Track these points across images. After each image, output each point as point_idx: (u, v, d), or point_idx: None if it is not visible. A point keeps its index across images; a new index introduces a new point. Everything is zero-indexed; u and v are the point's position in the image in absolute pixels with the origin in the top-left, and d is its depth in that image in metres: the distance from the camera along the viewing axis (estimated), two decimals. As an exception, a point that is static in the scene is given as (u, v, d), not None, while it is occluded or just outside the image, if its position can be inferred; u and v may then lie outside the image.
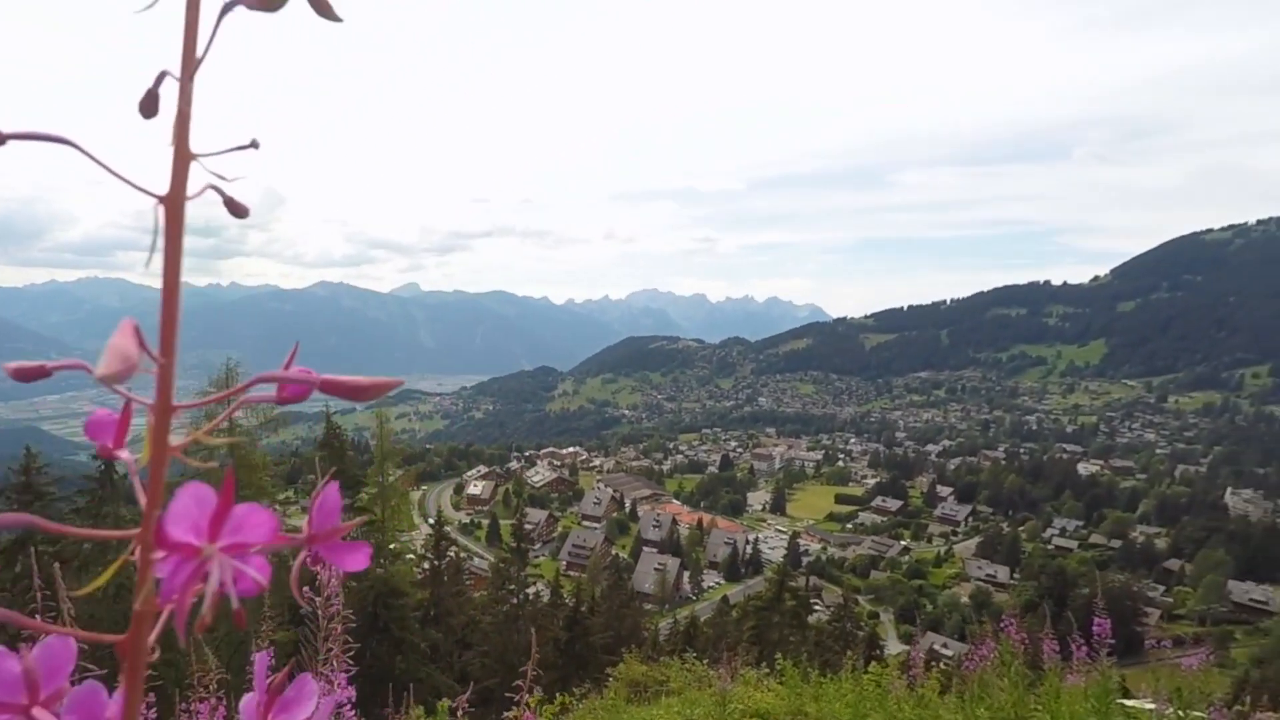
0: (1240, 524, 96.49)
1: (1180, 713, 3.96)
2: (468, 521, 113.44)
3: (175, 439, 0.55)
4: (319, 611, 2.04)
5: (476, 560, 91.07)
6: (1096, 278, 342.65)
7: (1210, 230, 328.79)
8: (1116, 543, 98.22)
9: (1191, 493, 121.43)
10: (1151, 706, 4.35)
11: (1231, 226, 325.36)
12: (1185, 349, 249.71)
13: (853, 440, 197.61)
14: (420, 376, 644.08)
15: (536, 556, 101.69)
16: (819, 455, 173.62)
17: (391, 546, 24.42)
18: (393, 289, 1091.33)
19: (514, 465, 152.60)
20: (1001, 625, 5.09)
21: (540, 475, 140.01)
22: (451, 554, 26.35)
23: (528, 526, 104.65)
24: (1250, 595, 77.52)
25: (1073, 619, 5.04)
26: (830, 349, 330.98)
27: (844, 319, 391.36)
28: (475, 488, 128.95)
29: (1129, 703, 4.48)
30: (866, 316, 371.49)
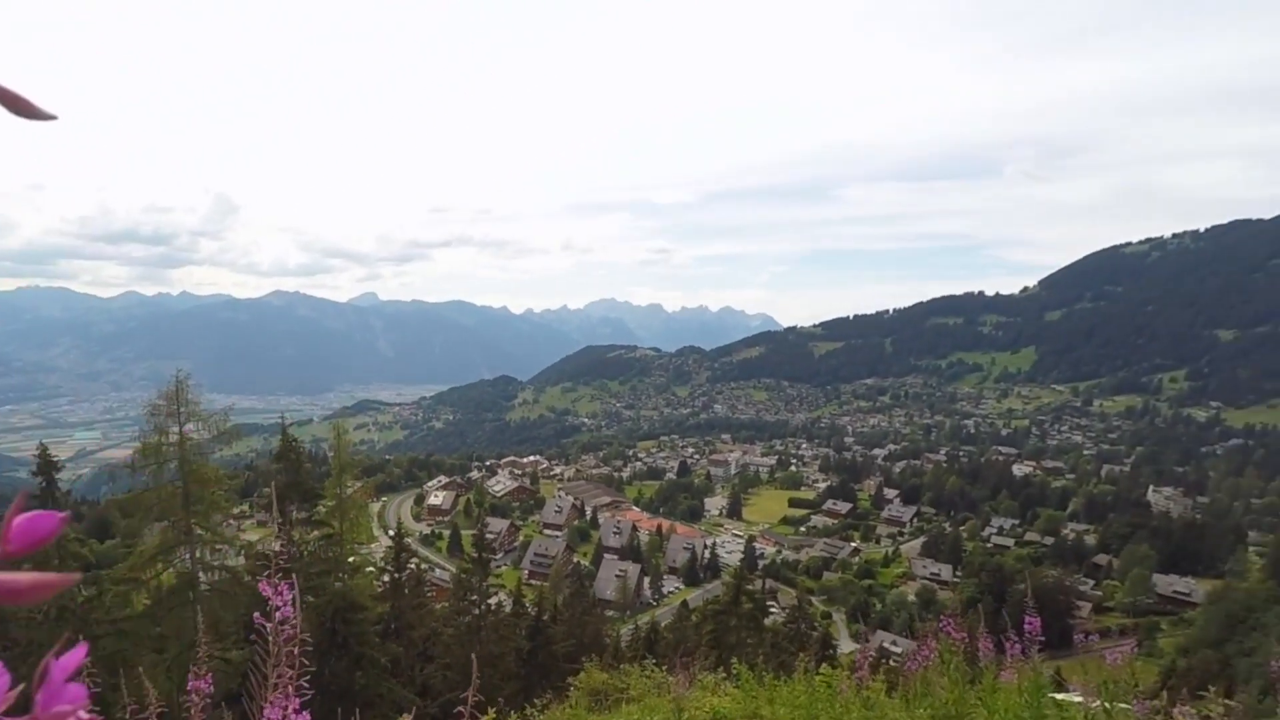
0: (1162, 520, 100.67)
1: (1107, 705, 4.12)
2: (429, 532, 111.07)
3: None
4: (270, 636, 1.93)
5: (438, 571, 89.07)
6: (1026, 288, 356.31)
7: (1129, 244, 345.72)
8: (1049, 540, 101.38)
9: (1116, 491, 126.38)
10: (1079, 699, 4.52)
11: (1148, 240, 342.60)
12: (1108, 355, 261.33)
13: (804, 445, 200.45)
14: (379, 386, 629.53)
15: (498, 566, 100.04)
16: (773, 460, 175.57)
17: (350, 560, 23.70)
18: (350, 298, 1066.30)
19: (475, 475, 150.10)
20: (942, 624, 5.22)
21: (501, 484, 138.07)
22: (412, 566, 25.73)
23: (489, 536, 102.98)
24: (1174, 587, 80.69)
25: (1008, 616, 5.20)
26: (782, 357, 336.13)
27: (794, 328, 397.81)
28: (436, 498, 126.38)
29: (1060, 696, 4.65)
30: (815, 325, 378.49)
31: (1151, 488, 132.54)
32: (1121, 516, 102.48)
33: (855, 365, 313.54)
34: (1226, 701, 5.17)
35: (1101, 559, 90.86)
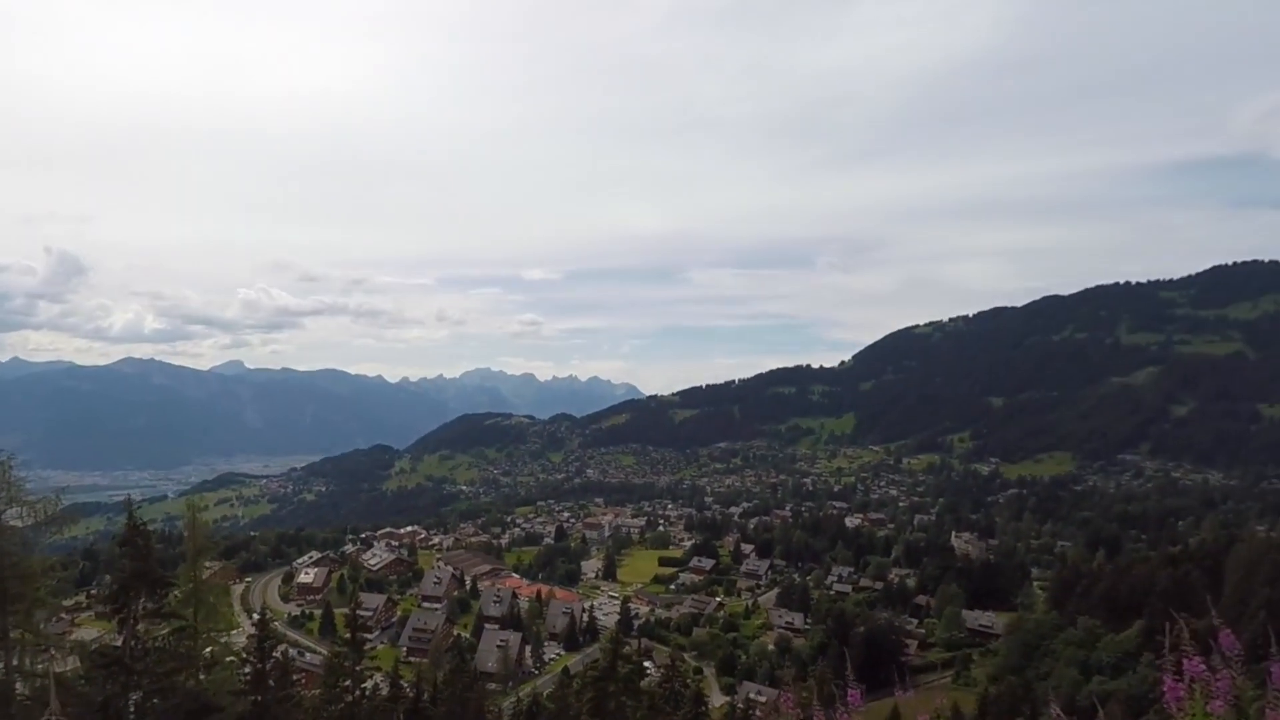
0: (965, 562, 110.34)
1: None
2: (299, 614, 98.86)
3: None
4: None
5: (309, 656, 79.43)
6: (843, 362, 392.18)
7: (917, 325, 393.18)
8: (879, 584, 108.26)
9: (927, 537, 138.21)
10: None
11: (931, 323, 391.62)
12: (909, 420, 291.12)
13: (670, 506, 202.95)
14: (245, 458, 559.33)
15: (374, 645, 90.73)
16: (642, 522, 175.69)
17: (207, 653, 20.58)
18: (213, 366, 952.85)
19: (349, 549, 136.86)
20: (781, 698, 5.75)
21: (377, 557, 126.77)
22: (279, 653, 22.98)
23: (364, 613, 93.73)
24: (979, 621, 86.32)
25: (849, 657, 5.74)
26: (645, 423, 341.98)
27: (655, 396, 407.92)
28: (306, 576, 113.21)
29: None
30: (674, 394, 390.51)
31: (954, 533, 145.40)
32: (933, 560, 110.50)
33: (710, 430, 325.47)
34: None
35: (921, 599, 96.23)
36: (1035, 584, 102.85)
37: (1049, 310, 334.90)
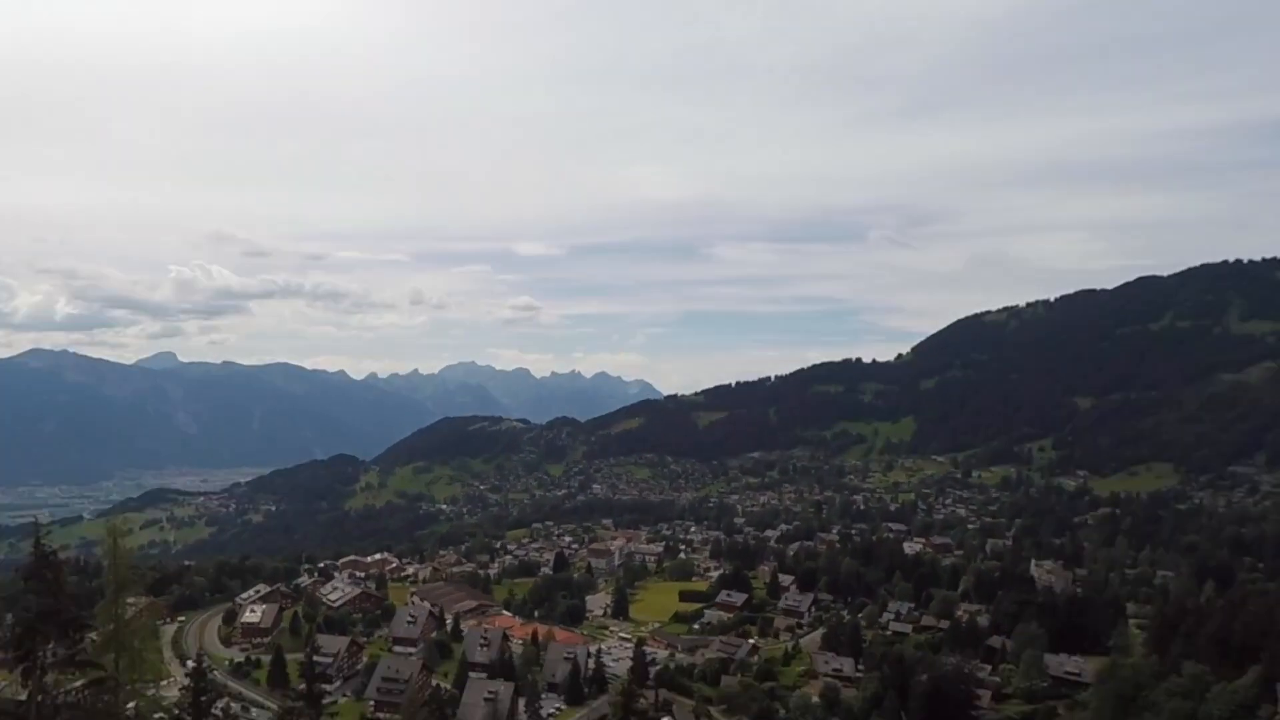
0: (1047, 596, 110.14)
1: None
2: (243, 660, 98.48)
3: None
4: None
5: (255, 713, 78.78)
6: (900, 355, 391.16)
7: (989, 312, 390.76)
8: (945, 623, 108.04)
9: (1002, 566, 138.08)
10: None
11: (1005, 309, 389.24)
12: (980, 424, 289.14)
13: (693, 528, 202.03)
14: (177, 471, 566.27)
15: (335, 699, 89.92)
16: (660, 548, 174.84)
17: (131, 708, 19.91)
18: (140, 359, 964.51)
19: (304, 581, 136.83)
20: None
21: (339, 591, 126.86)
22: (218, 709, 21.97)
23: (323, 659, 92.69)
24: (1064, 668, 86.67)
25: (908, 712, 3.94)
26: (663, 427, 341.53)
27: (675, 396, 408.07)
28: (253, 613, 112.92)
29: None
30: (697, 394, 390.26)
31: (1034, 561, 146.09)
32: (1010, 594, 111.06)
33: (740, 436, 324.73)
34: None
35: (996, 641, 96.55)
36: (1131, 622, 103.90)
37: (1145, 294, 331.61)
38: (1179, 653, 67.02)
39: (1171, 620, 76.03)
